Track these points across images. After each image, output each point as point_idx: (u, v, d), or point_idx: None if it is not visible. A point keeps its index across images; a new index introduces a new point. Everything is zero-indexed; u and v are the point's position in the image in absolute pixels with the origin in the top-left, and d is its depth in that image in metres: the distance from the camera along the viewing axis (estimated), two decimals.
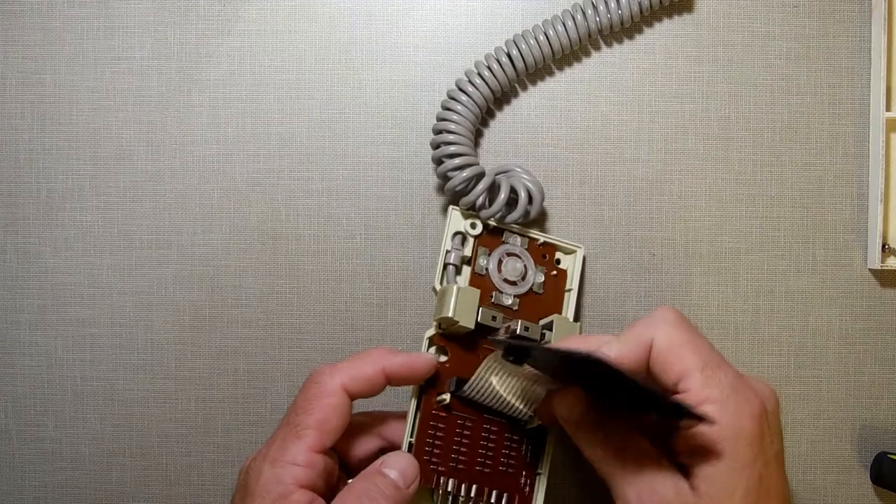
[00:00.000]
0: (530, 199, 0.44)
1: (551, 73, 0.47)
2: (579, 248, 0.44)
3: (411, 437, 0.41)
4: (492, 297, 0.43)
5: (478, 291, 0.41)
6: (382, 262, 0.47)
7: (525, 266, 0.44)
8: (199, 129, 0.47)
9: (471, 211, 0.43)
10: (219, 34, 0.47)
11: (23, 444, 0.47)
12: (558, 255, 0.44)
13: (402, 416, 0.42)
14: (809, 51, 0.47)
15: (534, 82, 0.47)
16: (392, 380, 0.39)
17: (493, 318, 0.42)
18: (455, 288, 0.41)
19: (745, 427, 0.35)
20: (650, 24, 0.47)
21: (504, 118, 0.47)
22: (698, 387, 0.35)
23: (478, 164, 0.43)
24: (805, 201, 0.47)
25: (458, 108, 0.44)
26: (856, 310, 0.47)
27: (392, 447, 0.41)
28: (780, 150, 0.47)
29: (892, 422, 0.47)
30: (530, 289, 0.43)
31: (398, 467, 0.38)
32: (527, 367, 0.39)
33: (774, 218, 0.47)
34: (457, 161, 0.43)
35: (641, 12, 0.45)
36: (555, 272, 0.44)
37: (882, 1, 0.45)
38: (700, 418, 0.34)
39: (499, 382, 0.40)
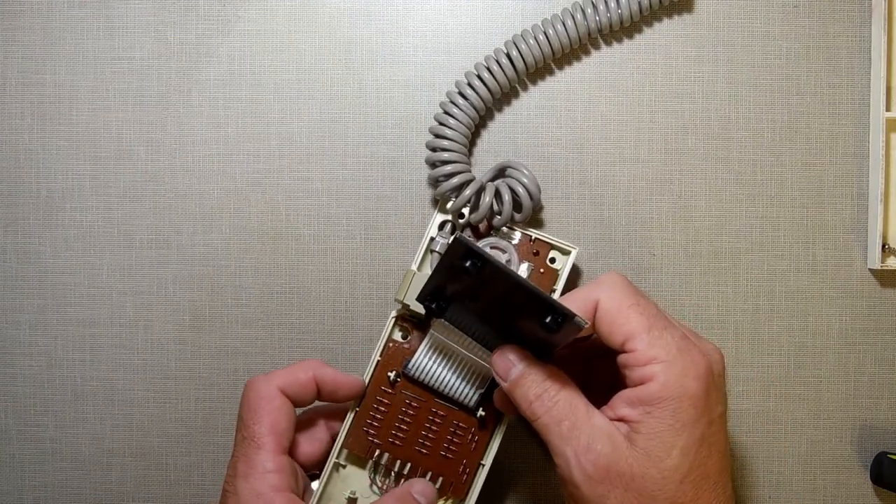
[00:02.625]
0: (518, 205, 0.44)
1: (551, 73, 0.47)
2: (573, 248, 0.44)
3: (358, 405, 0.42)
4: None
5: None
6: (382, 262, 0.47)
7: (509, 260, 0.44)
8: (199, 129, 0.47)
9: (462, 219, 0.44)
10: (219, 34, 0.47)
11: (23, 444, 0.47)
12: (554, 254, 0.44)
13: (342, 407, 0.43)
14: (809, 51, 0.47)
15: (534, 82, 0.47)
16: (322, 392, 0.41)
17: None
18: (413, 273, 0.42)
19: (690, 387, 0.35)
20: (650, 24, 0.47)
21: (504, 118, 0.47)
22: (644, 347, 0.36)
23: (468, 171, 0.44)
24: (805, 201, 0.47)
25: (455, 111, 0.44)
26: (856, 310, 0.47)
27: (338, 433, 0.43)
28: (780, 150, 0.47)
29: (892, 422, 0.47)
30: None
31: (422, 491, 0.40)
32: (461, 334, 0.41)
33: (774, 218, 0.47)
34: (448, 168, 0.43)
35: (641, 12, 0.45)
36: (542, 270, 0.44)
37: (882, 1, 0.45)
38: (574, 321, 0.35)
39: (439, 358, 0.42)
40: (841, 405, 0.47)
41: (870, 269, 0.47)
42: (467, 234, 0.45)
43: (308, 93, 0.47)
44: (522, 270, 0.44)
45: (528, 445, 0.47)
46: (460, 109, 0.44)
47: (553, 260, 0.44)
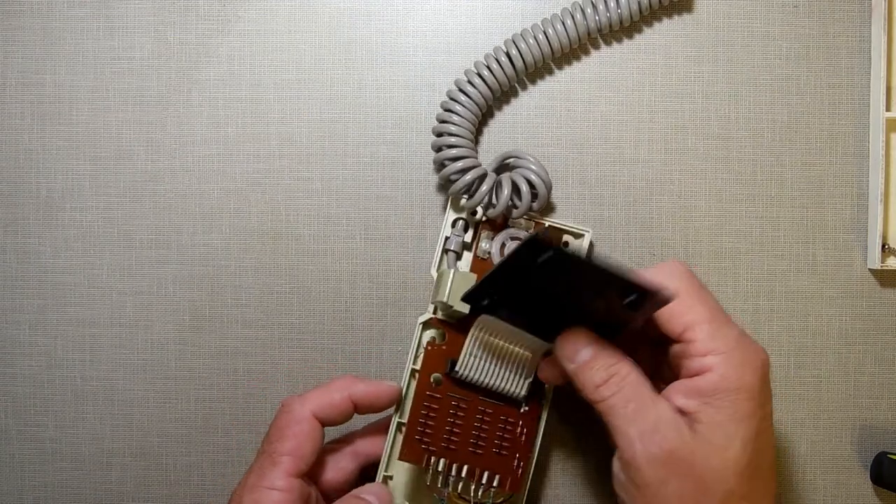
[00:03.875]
0: (534, 195, 0.43)
1: (551, 73, 0.47)
2: (587, 231, 0.44)
3: (402, 418, 0.42)
4: None
5: (474, 276, 0.42)
6: (382, 262, 0.47)
7: None
8: (199, 129, 0.47)
9: (474, 216, 0.44)
10: (219, 34, 0.47)
11: (23, 444, 0.47)
12: (566, 238, 0.44)
13: (370, 430, 0.43)
14: (809, 51, 0.47)
15: (534, 82, 0.47)
16: (359, 407, 0.41)
17: None
18: (451, 272, 0.42)
19: (748, 380, 0.35)
20: (650, 24, 0.47)
21: (504, 118, 0.47)
22: (705, 337, 0.36)
23: (479, 165, 0.43)
24: (805, 201, 0.47)
25: (458, 108, 0.44)
26: (856, 310, 0.47)
27: (367, 460, 0.43)
28: (780, 150, 0.47)
29: (892, 422, 0.47)
30: None
31: (374, 492, 0.40)
32: (508, 326, 0.40)
33: (774, 218, 0.47)
34: (459, 165, 0.43)
35: (641, 12, 0.45)
36: None
37: (882, 1, 0.45)
38: (662, 295, 0.35)
39: (486, 354, 0.41)
40: (841, 405, 0.47)
41: (870, 269, 0.47)
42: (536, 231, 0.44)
43: (308, 93, 0.47)
44: None
45: None
46: (463, 106, 0.44)
47: (566, 244, 0.44)
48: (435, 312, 0.43)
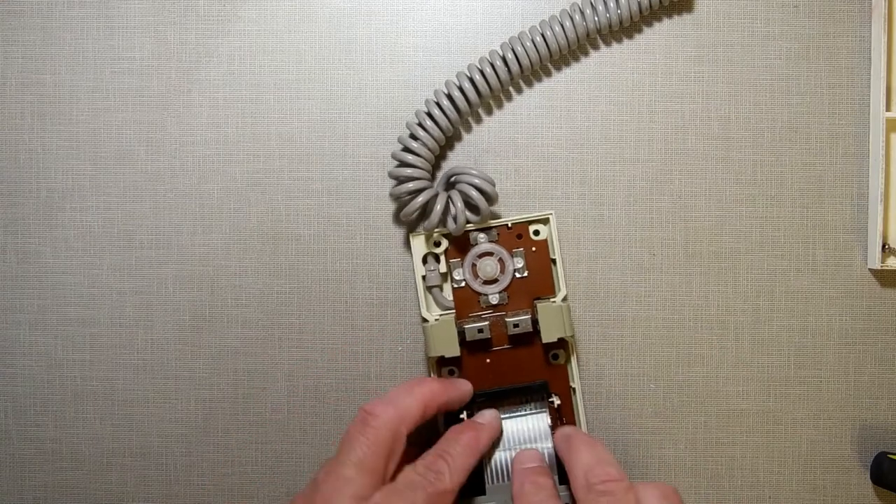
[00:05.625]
0: (472, 206, 0.44)
1: (551, 74, 0.47)
2: (550, 213, 0.45)
3: None
4: (479, 302, 0.44)
5: (451, 319, 0.43)
6: (382, 262, 0.47)
7: (500, 259, 0.44)
8: (199, 129, 0.47)
9: (437, 246, 0.45)
10: (219, 34, 0.47)
11: (23, 444, 0.47)
12: (535, 227, 0.45)
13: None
14: (809, 51, 0.47)
15: (533, 82, 0.47)
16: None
17: (480, 331, 0.43)
18: (429, 327, 0.43)
19: None
20: (650, 24, 0.47)
21: (504, 118, 0.47)
22: None
23: (430, 186, 0.44)
24: (805, 201, 0.47)
25: (414, 145, 0.44)
26: (856, 310, 0.47)
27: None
28: (780, 150, 0.47)
29: (892, 422, 0.47)
30: (513, 277, 0.44)
31: (485, 415, 0.42)
32: None
33: (774, 218, 0.47)
34: (410, 186, 0.43)
35: (641, 12, 0.45)
36: (534, 248, 0.45)
37: (882, 1, 0.45)
38: None
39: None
40: (841, 405, 0.47)
41: (870, 269, 0.47)
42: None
43: (308, 93, 0.47)
44: (517, 263, 0.44)
45: None
46: (422, 138, 0.44)
47: (537, 232, 0.45)
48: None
